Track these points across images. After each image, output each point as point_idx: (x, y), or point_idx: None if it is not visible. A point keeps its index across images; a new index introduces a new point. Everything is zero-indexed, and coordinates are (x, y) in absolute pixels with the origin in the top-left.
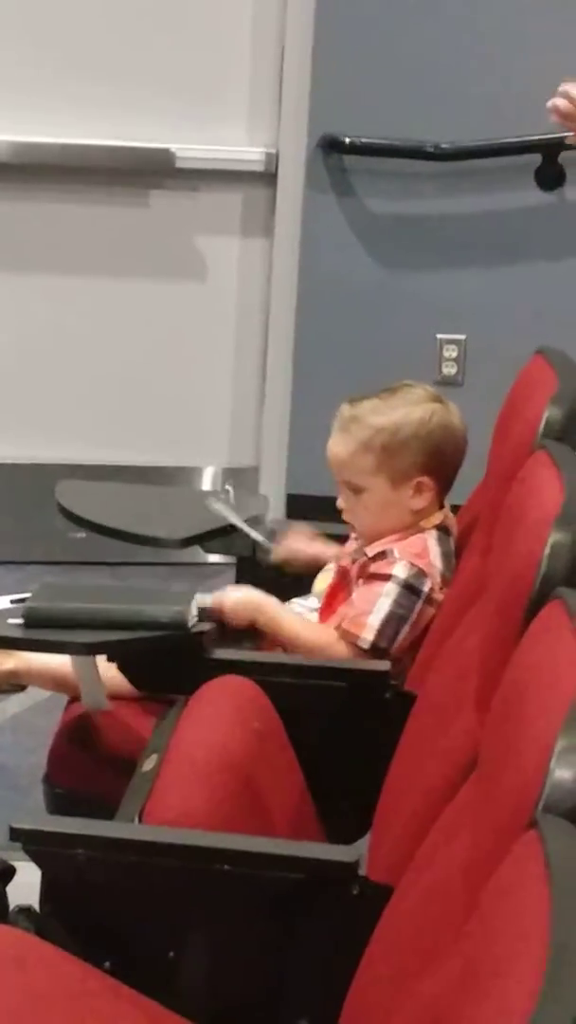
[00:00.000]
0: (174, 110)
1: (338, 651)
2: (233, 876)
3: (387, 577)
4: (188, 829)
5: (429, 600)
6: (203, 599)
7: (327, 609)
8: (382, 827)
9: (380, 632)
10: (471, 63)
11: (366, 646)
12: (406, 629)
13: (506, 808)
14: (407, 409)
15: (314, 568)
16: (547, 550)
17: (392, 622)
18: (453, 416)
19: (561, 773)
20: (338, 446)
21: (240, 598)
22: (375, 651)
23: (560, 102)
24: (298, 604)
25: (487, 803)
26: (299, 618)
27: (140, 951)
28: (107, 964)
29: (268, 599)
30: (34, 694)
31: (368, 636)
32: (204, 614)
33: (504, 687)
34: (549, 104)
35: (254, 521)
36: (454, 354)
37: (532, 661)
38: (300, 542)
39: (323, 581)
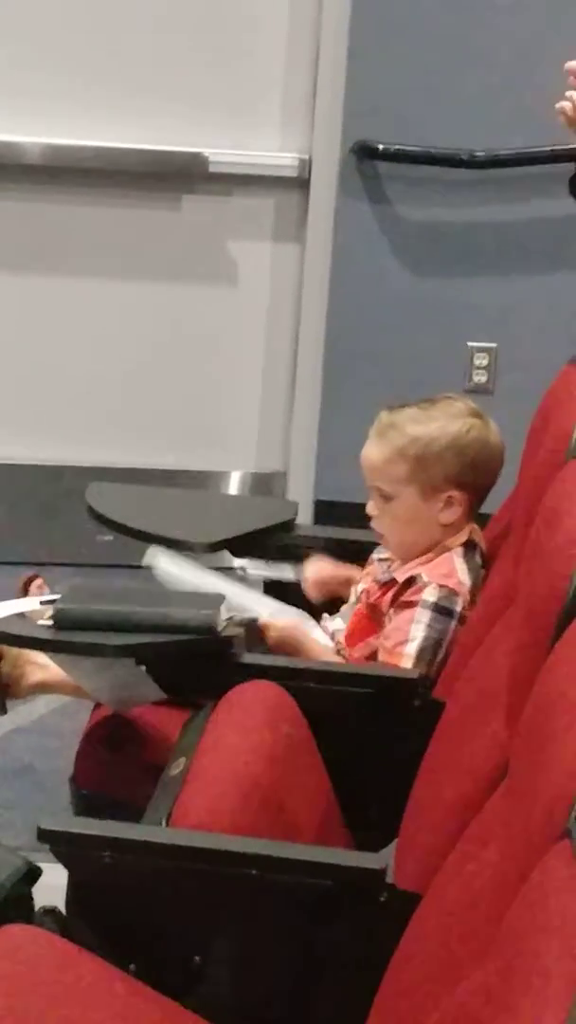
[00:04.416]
0: (208, 115)
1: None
2: (260, 881)
3: (418, 603)
4: (216, 833)
5: (461, 619)
6: (253, 609)
7: (354, 635)
8: (409, 835)
9: (418, 659)
10: (506, 71)
11: (407, 675)
12: (443, 650)
13: (538, 818)
14: (445, 421)
15: (340, 591)
16: None
17: (428, 648)
18: (491, 433)
19: None
20: (373, 451)
21: (287, 630)
22: (422, 675)
23: (567, 105)
24: (328, 622)
25: (518, 813)
26: (338, 661)
27: (166, 955)
28: (132, 967)
29: (312, 640)
30: (61, 696)
31: (408, 666)
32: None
33: (535, 697)
34: (558, 105)
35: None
36: (485, 362)
37: (564, 672)
38: (325, 570)
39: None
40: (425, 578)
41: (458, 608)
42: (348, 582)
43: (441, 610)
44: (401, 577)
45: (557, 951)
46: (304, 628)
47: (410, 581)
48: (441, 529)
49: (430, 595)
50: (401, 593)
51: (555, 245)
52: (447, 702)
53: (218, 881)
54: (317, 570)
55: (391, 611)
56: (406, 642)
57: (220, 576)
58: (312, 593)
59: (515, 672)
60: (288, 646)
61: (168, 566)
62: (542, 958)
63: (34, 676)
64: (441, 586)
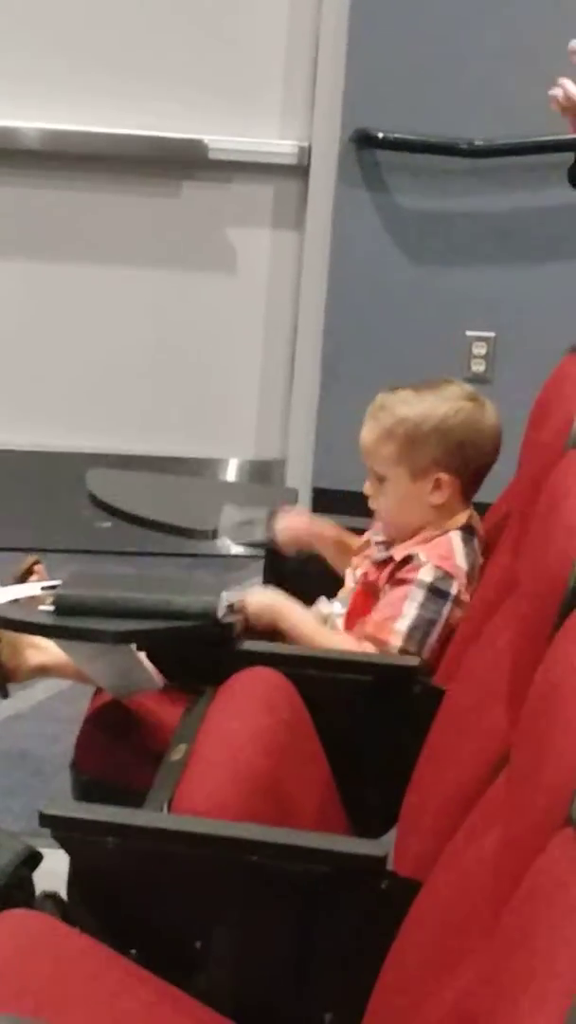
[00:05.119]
0: (208, 102)
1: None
2: (261, 867)
3: (413, 581)
4: (216, 819)
5: (456, 602)
6: (229, 596)
7: (352, 616)
8: (409, 822)
9: (408, 637)
10: (505, 60)
11: (396, 648)
12: (435, 632)
13: (540, 806)
14: (435, 403)
15: (313, 545)
16: None
17: (420, 627)
18: (485, 416)
19: None
20: (366, 432)
21: (263, 602)
22: (409, 654)
23: (559, 92)
24: (324, 605)
25: (519, 800)
26: (322, 627)
27: (166, 940)
28: (133, 952)
29: (291, 605)
30: (59, 682)
31: (396, 642)
32: (229, 611)
33: (537, 685)
34: (550, 92)
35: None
36: (483, 351)
37: (566, 661)
38: (296, 521)
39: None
40: (423, 557)
41: (453, 591)
42: (321, 537)
43: (436, 591)
44: (399, 555)
45: (560, 940)
46: (281, 598)
47: (407, 559)
48: (433, 511)
49: (426, 575)
50: (398, 570)
51: (554, 234)
52: (447, 690)
53: (219, 867)
54: (290, 521)
55: (386, 587)
56: (397, 618)
57: None
58: (283, 543)
59: (516, 661)
60: (266, 617)
61: None
62: (545, 947)
63: (34, 659)
64: (438, 567)
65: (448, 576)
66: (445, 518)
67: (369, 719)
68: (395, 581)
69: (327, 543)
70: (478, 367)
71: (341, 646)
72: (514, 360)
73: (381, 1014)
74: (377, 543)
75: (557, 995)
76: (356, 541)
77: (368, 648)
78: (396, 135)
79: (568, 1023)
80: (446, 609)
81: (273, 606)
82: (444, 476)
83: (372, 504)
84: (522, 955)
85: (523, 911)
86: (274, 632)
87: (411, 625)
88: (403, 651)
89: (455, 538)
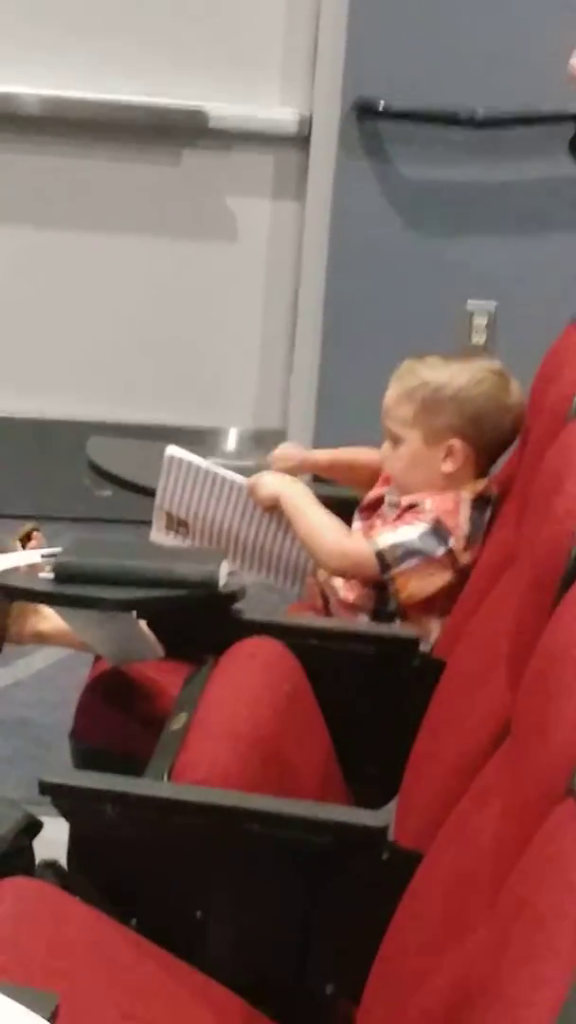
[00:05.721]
0: (209, 70)
1: (349, 543)
2: (262, 837)
3: (415, 520)
4: (217, 789)
5: (451, 556)
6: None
7: None
8: (410, 793)
9: (391, 548)
10: (508, 31)
11: (375, 548)
12: (414, 562)
13: (541, 777)
14: (459, 371)
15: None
16: None
17: (405, 546)
18: (507, 392)
19: None
20: (388, 392)
21: (274, 476)
22: (381, 562)
23: (574, 63)
24: None
25: (520, 771)
26: (322, 509)
27: (167, 910)
28: (134, 921)
29: (301, 485)
30: (59, 650)
31: (379, 544)
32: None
33: (539, 655)
34: (573, 61)
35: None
36: (484, 322)
37: (567, 631)
38: (290, 451)
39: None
40: (428, 505)
41: (450, 542)
42: (314, 466)
43: (435, 532)
44: (406, 501)
45: (561, 913)
46: (291, 480)
47: (413, 505)
48: (443, 478)
49: (427, 518)
50: (403, 513)
51: (555, 205)
52: (448, 661)
53: (219, 836)
54: (283, 451)
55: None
56: (390, 532)
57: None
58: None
59: (518, 631)
60: (274, 487)
61: (186, 455)
62: (546, 921)
63: (36, 626)
64: (440, 520)
65: (447, 530)
66: (454, 487)
67: (370, 690)
68: (399, 520)
69: (323, 470)
70: (479, 338)
71: (337, 527)
72: (515, 331)
73: (382, 985)
74: (391, 504)
75: (557, 969)
76: (362, 455)
77: (357, 536)
78: (398, 105)
79: (568, 998)
80: (439, 551)
81: (282, 479)
82: (457, 443)
83: (386, 466)
84: (523, 928)
85: (524, 884)
86: (274, 507)
87: (398, 541)
88: (380, 553)
89: (464, 502)
